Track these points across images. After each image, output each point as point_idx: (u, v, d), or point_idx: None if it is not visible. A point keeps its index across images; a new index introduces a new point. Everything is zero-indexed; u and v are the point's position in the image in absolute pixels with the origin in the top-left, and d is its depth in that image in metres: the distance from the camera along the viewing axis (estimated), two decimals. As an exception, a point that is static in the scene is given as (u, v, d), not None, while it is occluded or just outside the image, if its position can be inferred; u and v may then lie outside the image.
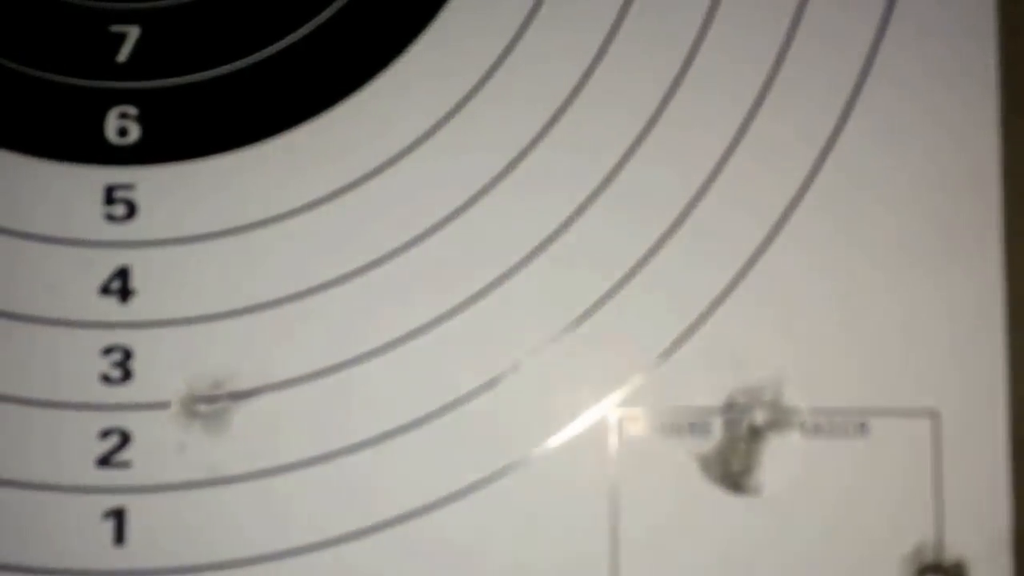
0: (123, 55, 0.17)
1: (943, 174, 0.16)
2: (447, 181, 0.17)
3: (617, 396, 0.16)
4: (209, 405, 0.16)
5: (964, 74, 0.16)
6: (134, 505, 0.16)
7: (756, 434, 0.16)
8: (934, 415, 0.16)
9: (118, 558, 0.16)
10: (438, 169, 0.17)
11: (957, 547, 0.16)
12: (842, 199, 0.16)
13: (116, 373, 0.16)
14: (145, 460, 0.16)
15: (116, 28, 0.17)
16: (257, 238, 0.16)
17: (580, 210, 0.16)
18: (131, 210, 0.16)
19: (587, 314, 0.16)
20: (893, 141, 0.16)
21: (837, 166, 0.16)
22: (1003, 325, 0.16)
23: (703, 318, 0.16)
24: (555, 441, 0.16)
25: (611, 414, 0.16)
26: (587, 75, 0.17)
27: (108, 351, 0.16)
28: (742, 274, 0.16)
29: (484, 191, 0.17)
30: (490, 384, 0.16)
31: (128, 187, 0.17)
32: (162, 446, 0.16)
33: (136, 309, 0.16)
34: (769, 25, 0.17)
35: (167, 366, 0.16)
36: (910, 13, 0.17)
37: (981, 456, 0.16)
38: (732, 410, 0.16)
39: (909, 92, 0.17)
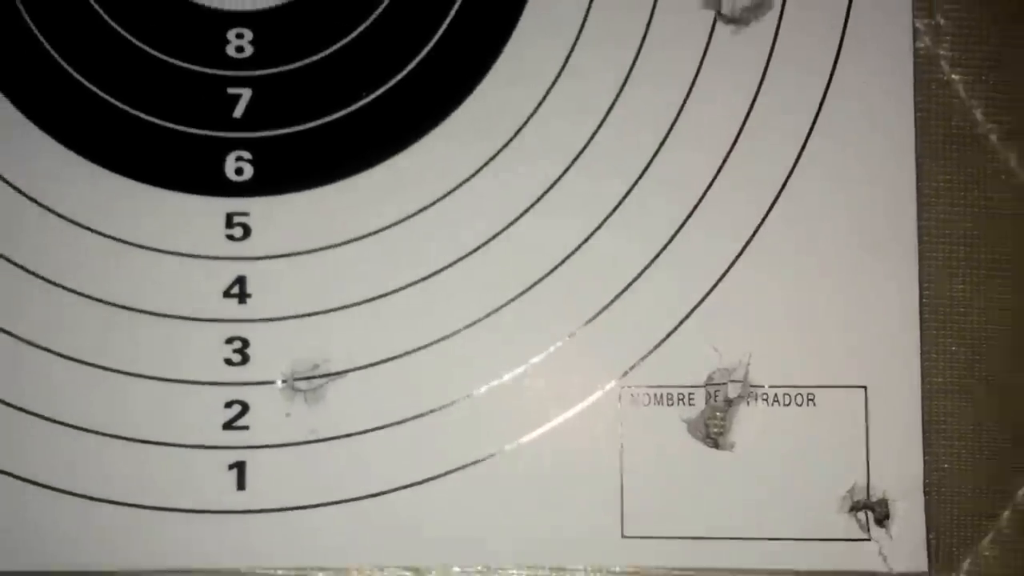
0: (238, 112, 0.21)
1: (870, 209, 0.21)
2: (489, 209, 0.21)
3: (624, 375, 0.21)
4: (308, 383, 0.21)
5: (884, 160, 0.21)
6: (252, 459, 0.21)
7: (729, 404, 0.21)
8: (863, 389, 0.21)
9: (239, 501, 0.21)
10: (482, 201, 0.21)
11: (881, 487, 0.21)
12: (795, 227, 0.21)
13: (237, 358, 0.21)
14: (260, 425, 0.21)
15: (232, 91, 0.21)
16: (345, 252, 0.21)
17: (593, 232, 0.21)
18: (246, 231, 0.21)
19: (600, 313, 0.21)
20: (833, 185, 0.21)
21: (790, 203, 0.21)
22: (916, 323, 0.21)
23: (689, 316, 0.21)
24: (578, 408, 0.21)
25: (620, 389, 0.21)
26: (602, 124, 0.21)
27: (230, 341, 0.21)
28: (718, 283, 0.21)
29: (517, 218, 0.21)
30: (526, 366, 0.21)
31: (243, 214, 0.21)
32: (273, 414, 0.21)
33: (251, 308, 0.21)
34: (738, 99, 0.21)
35: (276, 352, 0.21)
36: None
37: (899, 420, 0.21)
38: (711, 386, 0.21)
39: (843, 147, 0.21)
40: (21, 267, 0.21)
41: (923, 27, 0.21)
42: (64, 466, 0.21)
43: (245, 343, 0.21)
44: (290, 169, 0.21)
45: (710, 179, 0.21)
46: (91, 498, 0.21)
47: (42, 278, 0.21)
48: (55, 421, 0.21)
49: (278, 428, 0.21)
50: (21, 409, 0.21)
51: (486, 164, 0.21)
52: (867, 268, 0.21)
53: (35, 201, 0.21)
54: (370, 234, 0.21)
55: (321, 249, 0.21)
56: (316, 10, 0.21)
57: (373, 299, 0.21)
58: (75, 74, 0.21)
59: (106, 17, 0.21)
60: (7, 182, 0.21)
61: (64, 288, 0.21)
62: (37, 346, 0.21)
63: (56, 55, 0.21)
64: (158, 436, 0.21)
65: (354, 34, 0.21)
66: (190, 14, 0.21)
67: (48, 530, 0.21)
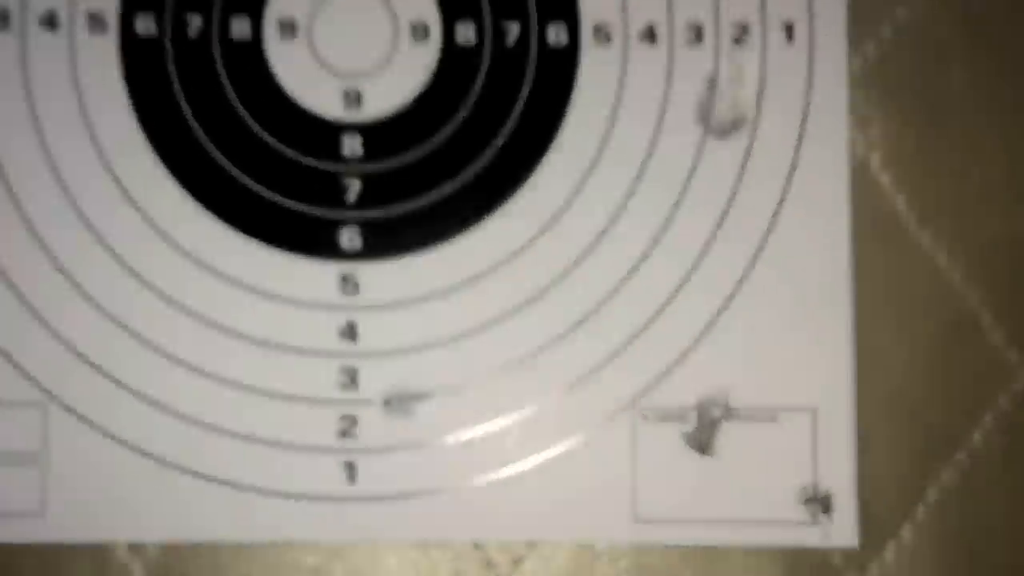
0: (350, 197, 0.28)
1: (807, 291, 0.29)
2: (537, 269, 0.28)
3: (636, 401, 0.28)
4: (401, 403, 0.28)
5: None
6: (360, 461, 0.28)
7: (715, 422, 0.28)
8: (813, 410, 0.28)
9: (351, 492, 0.28)
10: (530, 264, 0.29)
11: (825, 486, 0.28)
12: (769, 295, 0.29)
13: (349, 382, 0.28)
14: (367, 434, 0.28)
15: (346, 182, 0.29)
16: (435, 302, 0.28)
17: (614, 291, 0.29)
18: (356, 287, 0.28)
19: (612, 356, 0.28)
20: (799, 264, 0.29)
21: (757, 282, 0.29)
22: (852, 367, 0.29)
23: (684, 357, 0.28)
24: (602, 425, 0.28)
25: (633, 410, 0.28)
26: (621, 210, 0.29)
27: (344, 370, 0.28)
28: (703, 334, 0.29)
29: (561, 275, 0.29)
30: (555, 398, 0.28)
31: (354, 274, 0.28)
32: (377, 426, 0.28)
33: (361, 345, 0.28)
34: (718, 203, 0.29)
35: (379, 379, 0.28)
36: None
37: (839, 435, 0.28)
38: (701, 408, 0.28)
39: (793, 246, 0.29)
40: (177, 303, 0.28)
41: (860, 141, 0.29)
42: (203, 457, 0.27)
43: (355, 371, 0.28)
44: (390, 240, 0.28)
45: (704, 241, 0.28)
46: (224, 482, 0.28)
47: (195, 315, 0.28)
48: (202, 423, 0.28)
49: (381, 437, 0.28)
50: (168, 410, 0.28)
51: (536, 238, 0.28)
52: (812, 326, 0.28)
53: (197, 261, 0.28)
54: (453, 287, 0.28)
55: (416, 300, 0.28)
56: (411, 122, 0.28)
57: (456, 337, 0.28)
58: (228, 165, 0.28)
59: (252, 125, 0.28)
60: (174, 246, 0.28)
61: (213, 325, 0.28)
62: (189, 365, 0.28)
63: (214, 150, 0.28)
64: (283, 440, 0.28)
65: (441, 139, 0.28)
66: (316, 124, 0.28)
67: (182, 507, 0.27)
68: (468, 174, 0.28)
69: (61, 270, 0.28)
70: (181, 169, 0.28)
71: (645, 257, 0.28)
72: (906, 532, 0.28)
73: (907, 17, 0.29)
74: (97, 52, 0.28)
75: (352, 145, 0.28)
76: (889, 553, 0.28)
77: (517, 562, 0.28)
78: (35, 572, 0.27)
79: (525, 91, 0.28)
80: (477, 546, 0.28)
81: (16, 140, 0.28)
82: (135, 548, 0.27)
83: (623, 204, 0.28)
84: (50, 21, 0.28)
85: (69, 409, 0.27)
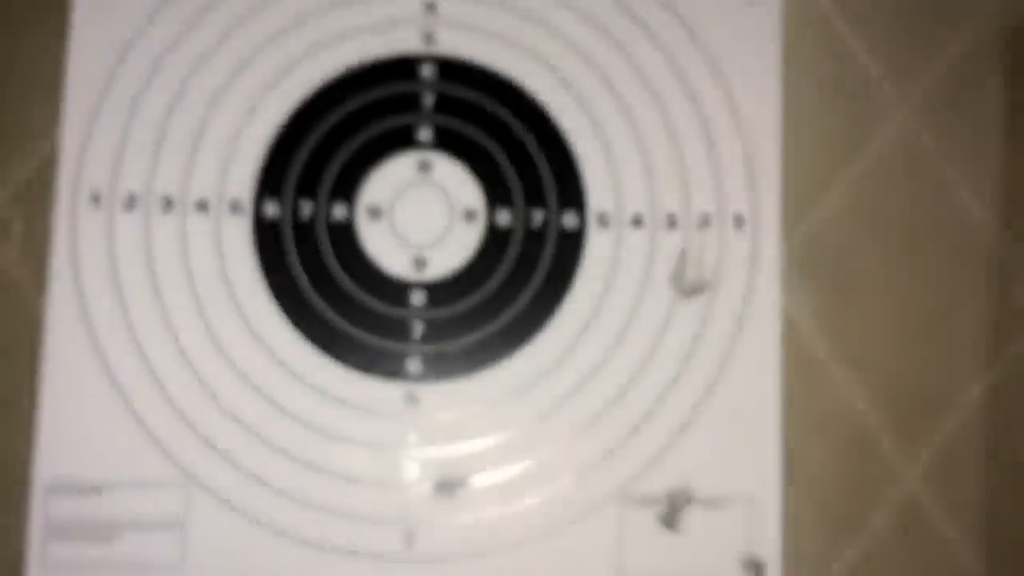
0: (415, 336, 0.39)
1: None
2: (552, 388, 0.39)
3: (624, 490, 0.39)
4: (447, 487, 0.38)
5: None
6: (416, 531, 0.38)
7: (680, 507, 0.39)
8: (752, 499, 0.39)
9: (409, 555, 0.38)
10: (548, 376, 0.39)
11: (761, 554, 0.38)
12: (721, 416, 0.39)
13: (409, 470, 0.38)
14: (420, 511, 0.38)
15: (412, 324, 0.39)
16: (476, 413, 0.39)
17: (607, 410, 0.39)
18: (417, 401, 0.39)
19: (606, 457, 0.39)
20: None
21: (712, 407, 0.39)
22: (780, 470, 0.39)
23: (658, 459, 0.39)
24: (598, 506, 0.38)
25: (621, 497, 0.39)
26: (616, 347, 0.39)
27: (412, 459, 0.38)
28: (672, 443, 0.39)
29: (569, 396, 0.39)
30: (564, 486, 0.39)
31: (416, 391, 0.39)
32: (428, 505, 0.38)
33: (419, 444, 0.38)
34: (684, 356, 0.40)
35: (432, 469, 0.38)
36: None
37: (770, 517, 0.39)
38: (671, 496, 0.39)
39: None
40: (287, 411, 0.38)
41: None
42: (297, 526, 0.38)
43: (413, 466, 0.38)
44: (444, 368, 0.39)
45: (674, 374, 0.39)
46: (314, 546, 0.38)
47: (299, 418, 0.38)
48: (297, 499, 0.38)
49: (431, 513, 0.38)
50: (274, 489, 0.38)
51: (550, 369, 0.39)
52: (752, 439, 0.39)
53: (302, 380, 0.38)
54: (488, 403, 0.39)
55: (460, 412, 0.38)
56: (463, 282, 0.39)
57: (489, 440, 0.38)
58: (327, 311, 0.39)
59: (345, 282, 0.39)
60: (286, 368, 0.38)
61: (311, 426, 0.38)
62: (290, 454, 0.38)
63: (317, 299, 0.39)
64: (358, 514, 0.38)
65: (484, 294, 0.39)
66: (392, 282, 0.39)
67: (284, 567, 0.37)
68: (503, 320, 0.39)
69: (201, 385, 0.38)
70: (293, 313, 0.39)
71: (630, 385, 0.39)
72: (821, 594, 0.38)
73: (824, 216, 0.40)
74: (235, 228, 0.39)
75: (418, 298, 0.39)
76: (808, 608, 0.38)
77: (533, 608, 0.38)
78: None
79: (546, 260, 0.39)
80: (504, 596, 0.38)
81: (170, 283, 0.38)
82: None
83: (615, 345, 0.39)
84: (202, 206, 0.39)
85: (205, 488, 0.38)
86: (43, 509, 0.37)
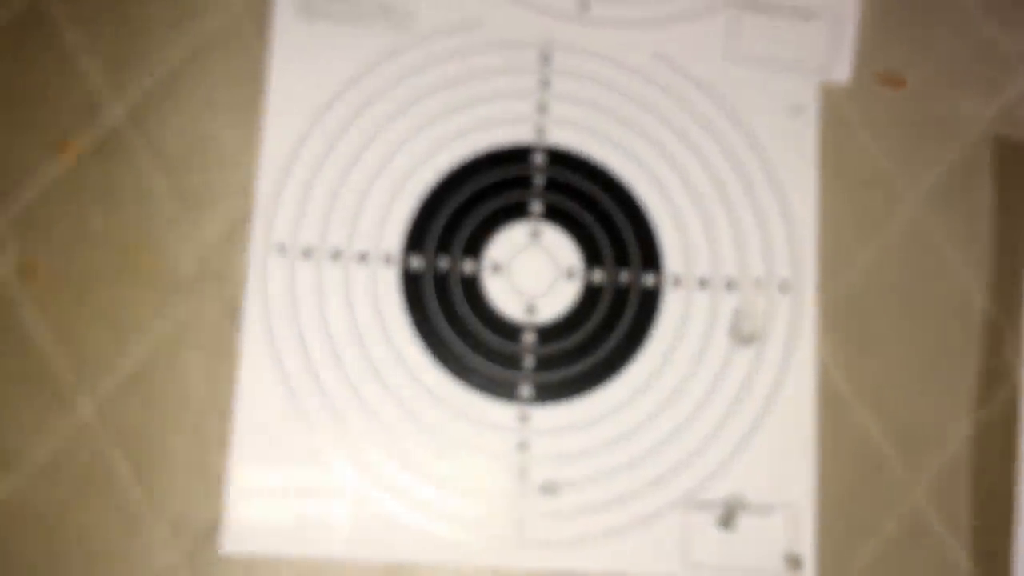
0: (527, 365, 0.49)
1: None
2: (636, 412, 0.49)
3: (689, 496, 0.48)
4: (552, 489, 0.48)
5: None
6: (527, 522, 0.48)
7: (735, 511, 0.48)
8: (793, 506, 0.49)
9: (522, 541, 0.48)
10: (637, 411, 0.49)
11: (798, 551, 0.48)
12: (768, 441, 0.49)
13: (521, 476, 0.48)
14: (530, 507, 0.48)
15: (525, 358, 0.49)
16: (576, 431, 0.48)
17: (679, 430, 0.49)
18: (529, 420, 0.49)
19: (675, 470, 0.49)
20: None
21: (763, 433, 0.49)
22: (815, 483, 0.49)
23: (718, 471, 0.49)
24: (668, 508, 0.48)
25: (686, 502, 0.49)
26: (681, 385, 0.50)
27: (519, 469, 0.48)
28: (729, 459, 0.49)
29: (649, 419, 0.49)
30: (643, 491, 0.48)
31: (528, 411, 0.49)
32: (537, 503, 0.48)
33: (530, 455, 0.48)
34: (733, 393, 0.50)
35: (539, 474, 0.48)
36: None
37: (806, 521, 0.48)
38: (727, 503, 0.49)
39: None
40: (425, 425, 0.48)
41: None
42: (431, 516, 0.47)
43: (526, 470, 0.48)
44: (550, 393, 0.49)
45: (730, 405, 0.49)
46: (442, 536, 0.47)
47: (434, 432, 0.48)
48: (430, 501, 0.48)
49: (539, 509, 0.48)
50: (416, 470, 0.47)
51: (634, 397, 0.49)
52: (792, 458, 0.49)
53: (439, 402, 0.48)
54: (585, 423, 0.49)
55: (563, 429, 0.48)
56: (565, 325, 0.49)
57: (586, 452, 0.48)
58: (469, 349, 0.49)
59: (471, 323, 0.49)
60: (427, 393, 0.48)
61: (444, 438, 0.48)
62: (421, 466, 0.48)
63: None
64: (478, 514, 0.48)
65: (581, 336, 0.49)
66: (508, 325, 0.49)
67: (422, 545, 0.47)
68: (596, 357, 0.49)
69: (358, 400, 0.47)
70: (430, 345, 0.48)
71: (696, 414, 0.49)
72: (844, 584, 0.48)
73: (850, 283, 0.50)
74: (387, 277, 0.49)
75: (529, 337, 0.49)
76: (834, 594, 0.48)
77: (616, 587, 0.48)
78: (330, 574, 0.47)
79: (631, 311, 0.49)
80: (586, 574, 0.47)
81: (337, 319, 0.48)
82: (388, 566, 0.47)
83: (684, 382, 0.49)
84: (363, 257, 0.49)
85: (359, 483, 0.47)
86: (236, 492, 0.46)
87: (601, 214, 0.49)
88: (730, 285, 0.49)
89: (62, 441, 0.45)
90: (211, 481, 0.45)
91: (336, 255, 0.48)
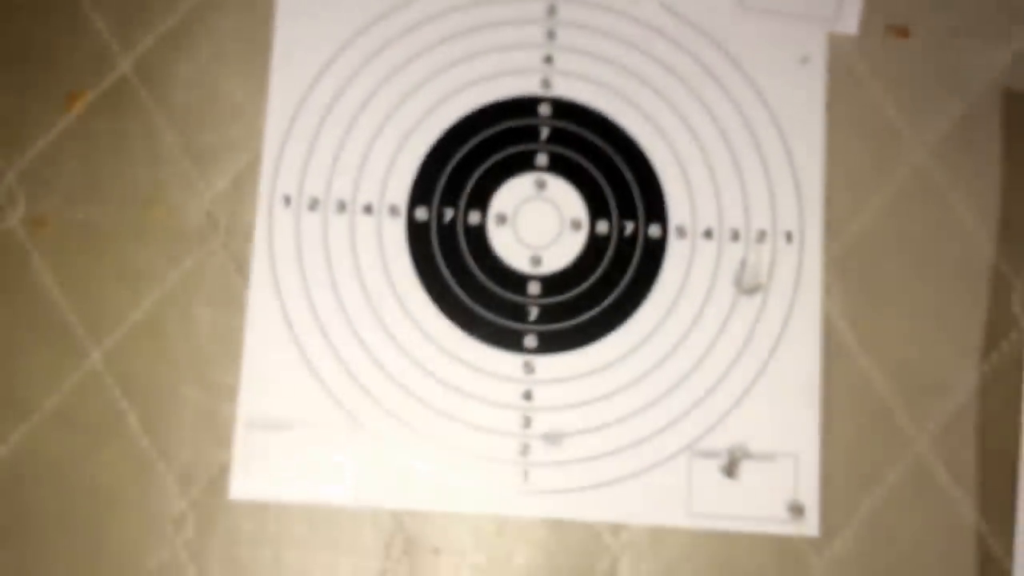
0: (531, 317, 0.49)
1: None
2: (638, 363, 0.49)
3: (693, 444, 0.49)
4: (555, 438, 0.48)
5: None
6: (531, 470, 0.48)
7: (738, 459, 0.49)
8: (796, 455, 0.49)
9: (526, 488, 0.48)
10: (643, 350, 0.49)
11: (801, 500, 0.48)
12: (771, 390, 0.49)
13: (525, 424, 0.48)
14: (535, 455, 0.48)
15: (529, 308, 0.49)
16: (579, 380, 0.49)
17: (683, 380, 0.49)
18: (533, 369, 0.49)
19: (679, 418, 0.49)
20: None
21: (766, 381, 0.50)
22: (819, 432, 0.49)
23: (721, 420, 0.49)
24: (673, 457, 0.49)
25: (690, 450, 0.49)
26: (685, 334, 0.50)
27: (523, 417, 0.49)
28: (732, 409, 0.49)
29: (652, 370, 0.49)
30: (647, 439, 0.49)
31: (532, 362, 0.49)
32: (541, 450, 0.48)
33: (534, 403, 0.49)
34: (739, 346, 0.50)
35: (543, 423, 0.48)
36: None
37: (810, 470, 0.49)
38: (731, 451, 0.49)
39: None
40: (429, 371, 0.49)
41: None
42: (432, 462, 0.48)
43: (530, 417, 0.49)
44: (554, 343, 0.49)
45: (735, 354, 0.49)
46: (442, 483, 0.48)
47: (437, 378, 0.48)
48: (432, 441, 0.48)
49: (542, 457, 0.48)
50: (414, 430, 0.48)
51: (637, 348, 0.49)
52: (797, 406, 0.49)
53: (443, 350, 0.49)
54: (588, 372, 0.49)
55: (566, 379, 0.49)
56: (569, 276, 0.50)
57: (589, 401, 0.49)
58: (464, 296, 0.49)
59: (477, 274, 0.49)
60: (430, 340, 0.49)
61: (446, 383, 0.48)
62: (432, 406, 0.48)
63: (456, 286, 0.49)
64: (483, 457, 0.48)
65: (586, 287, 0.49)
66: (514, 275, 0.49)
67: (422, 485, 0.48)
68: (601, 308, 0.49)
69: (364, 350, 0.48)
70: (436, 296, 0.49)
71: (700, 363, 0.49)
72: (848, 532, 0.48)
73: (856, 233, 0.50)
74: (393, 228, 0.49)
75: (534, 287, 0.49)
76: (837, 543, 0.48)
77: (615, 533, 0.48)
78: (338, 523, 0.47)
79: (635, 262, 0.50)
80: (589, 524, 0.48)
81: (342, 270, 0.48)
82: (394, 513, 0.47)
83: (689, 332, 0.49)
84: (368, 209, 0.49)
85: (364, 429, 0.48)
86: (243, 440, 0.47)
87: (606, 166, 0.49)
88: (735, 236, 0.49)
89: (73, 391, 0.46)
90: (220, 430, 0.46)
91: (341, 207, 0.48)
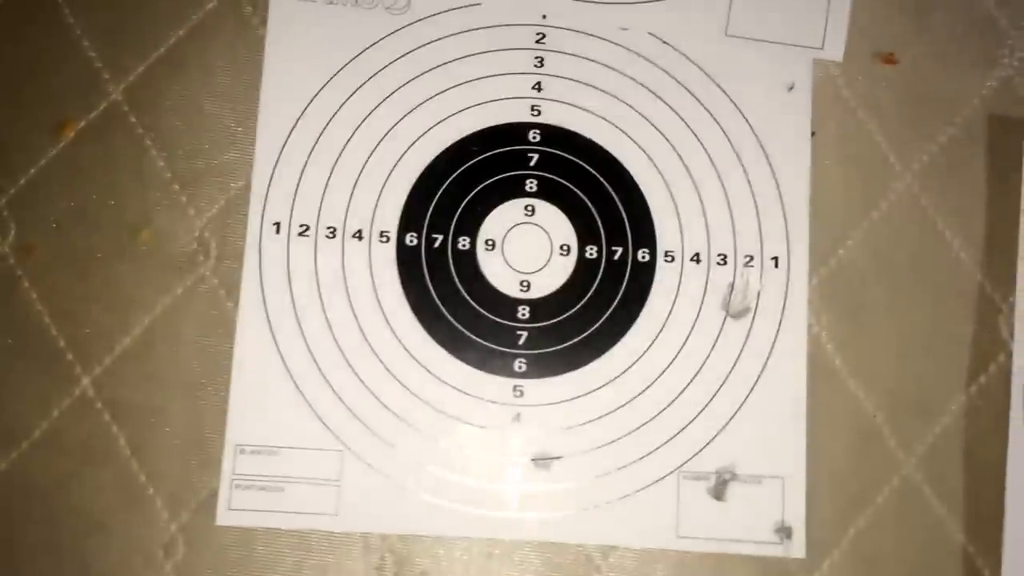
0: (520, 341, 0.50)
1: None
2: (626, 388, 0.49)
3: (681, 467, 0.49)
4: (542, 461, 0.49)
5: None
6: (521, 493, 0.48)
7: (726, 482, 0.49)
8: (783, 478, 0.49)
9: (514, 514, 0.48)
10: (626, 386, 0.50)
11: (789, 522, 0.49)
12: (758, 413, 0.50)
13: (514, 447, 0.49)
14: (523, 478, 0.48)
15: (519, 332, 0.50)
16: (567, 405, 0.49)
17: (670, 405, 0.50)
18: (522, 393, 0.49)
19: (667, 441, 0.49)
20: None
21: (752, 405, 0.50)
22: (804, 455, 0.49)
23: (708, 444, 0.49)
24: (661, 480, 0.49)
25: (678, 473, 0.49)
26: (672, 357, 0.50)
27: (512, 440, 0.49)
28: (720, 432, 0.49)
29: (639, 393, 0.49)
30: (634, 462, 0.49)
31: (522, 385, 0.49)
32: (529, 473, 0.48)
33: (522, 427, 0.49)
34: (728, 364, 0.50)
35: (531, 446, 0.49)
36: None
37: (797, 492, 0.49)
38: (718, 473, 0.49)
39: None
40: (420, 399, 0.49)
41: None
42: (428, 484, 0.48)
43: (519, 443, 0.49)
44: (543, 368, 0.49)
45: (723, 376, 0.50)
46: (437, 504, 0.48)
47: (428, 403, 0.49)
48: (426, 465, 0.48)
49: (530, 481, 0.48)
50: (407, 452, 0.48)
51: (625, 371, 0.50)
52: (783, 431, 0.49)
53: (432, 376, 0.49)
54: (576, 396, 0.49)
55: (554, 403, 0.49)
56: (558, 301, 0.50)
57: (576, 426, 0.49)
58: (454, 321, 0.49)
59: (467, 298, 0.50)
60: (419, 366, 0.49)
61: (439, 410, 0.49)
62: (420, 431, 0.48)
63: (444, 312, 0.49)
64: (477, 477, 0.48)
65: (575, 311, 0.50)
66: (504, 299, 0.50)
67: (415, 514, 0.48)
68: (590, 332, 0.49)
69: (354, 374, 0.48)
70: (426, 320, 0.49)
71: (688, 386, 0.49)
72: (836, 554, 0.49)
73: (843, 258, 0.51)
74: (383, 254, 0.49)
75: (524, 312, 0.50)
76: (825, 564, 0.48)
77: (605, 556, 0.48)
78: (327, 547, 0.47)
79: (623, 286, 0.50)
80: (579, 547, 0.48)
81: (332, 294, 0.49)
82: (384, 537, 0.48)
83: (677, 355, 0.49)
84: (358, 235, 0.49)
85: (354, 454, 0.48)
86: (231, 464, 0.47)
87: (595, 191, 0.50)
88: (722, 261, 0.50)
89: (63, 416, 0.46)
90: (209, 455, 0.46)
91: (332, 233, 0.49)
